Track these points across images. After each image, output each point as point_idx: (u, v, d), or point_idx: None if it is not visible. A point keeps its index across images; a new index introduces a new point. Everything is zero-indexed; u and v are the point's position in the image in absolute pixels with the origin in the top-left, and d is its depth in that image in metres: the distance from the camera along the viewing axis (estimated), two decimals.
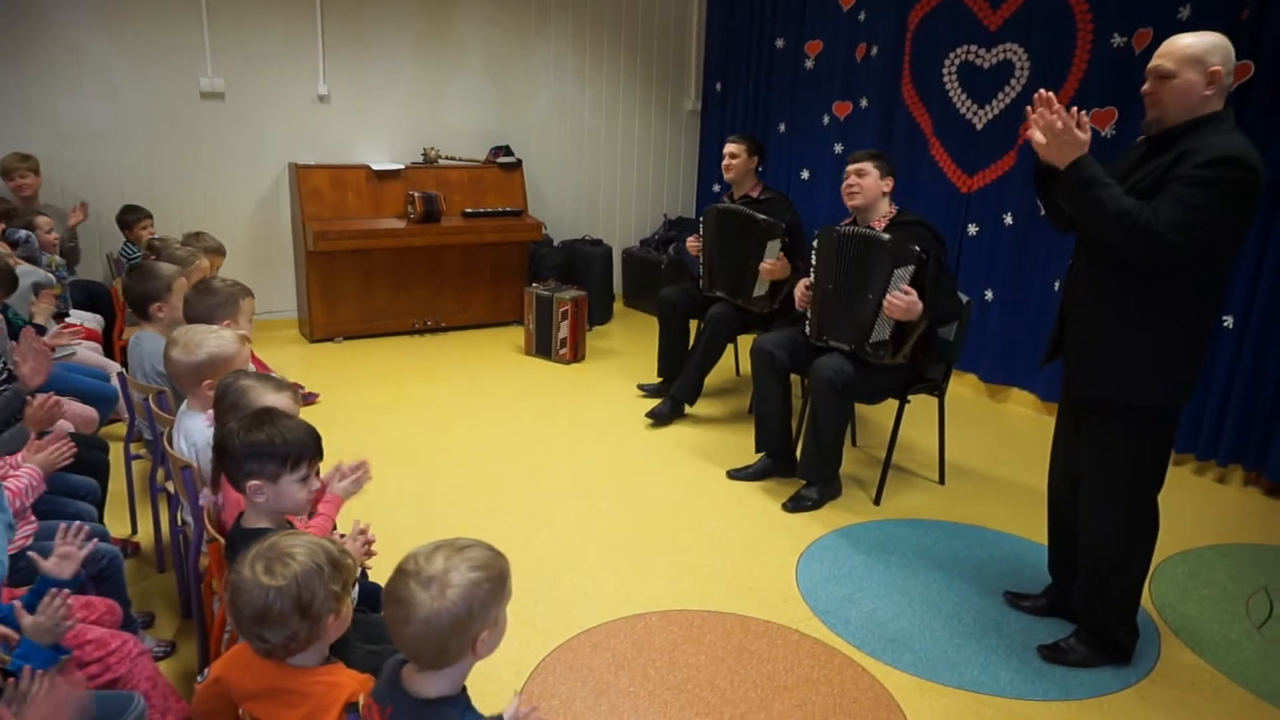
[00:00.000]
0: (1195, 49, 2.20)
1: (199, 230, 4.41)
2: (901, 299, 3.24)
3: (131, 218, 4.85)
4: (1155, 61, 2.25)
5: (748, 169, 4.44)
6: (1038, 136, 2.29)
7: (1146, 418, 2.37)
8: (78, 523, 1.89)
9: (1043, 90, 2.28)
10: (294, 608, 1.44)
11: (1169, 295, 2.27)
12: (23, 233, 4.05)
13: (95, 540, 1.95)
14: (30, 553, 1.91)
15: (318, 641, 1.50)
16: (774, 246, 4.13)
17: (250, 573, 1.45)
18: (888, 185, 3.52)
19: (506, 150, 6.14)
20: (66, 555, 1.81)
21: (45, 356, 2.66)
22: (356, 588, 1.98)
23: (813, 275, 3.62)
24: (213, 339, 2.42)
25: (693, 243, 4.62)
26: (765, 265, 4.13)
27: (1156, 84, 2.25)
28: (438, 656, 1.39)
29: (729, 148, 4.44)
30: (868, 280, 3.38)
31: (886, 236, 3.36)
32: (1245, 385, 3.79)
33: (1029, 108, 2.34)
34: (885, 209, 3.54)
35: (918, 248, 3.26)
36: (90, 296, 4.58)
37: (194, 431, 2.36)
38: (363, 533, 2.01)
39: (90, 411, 3.19)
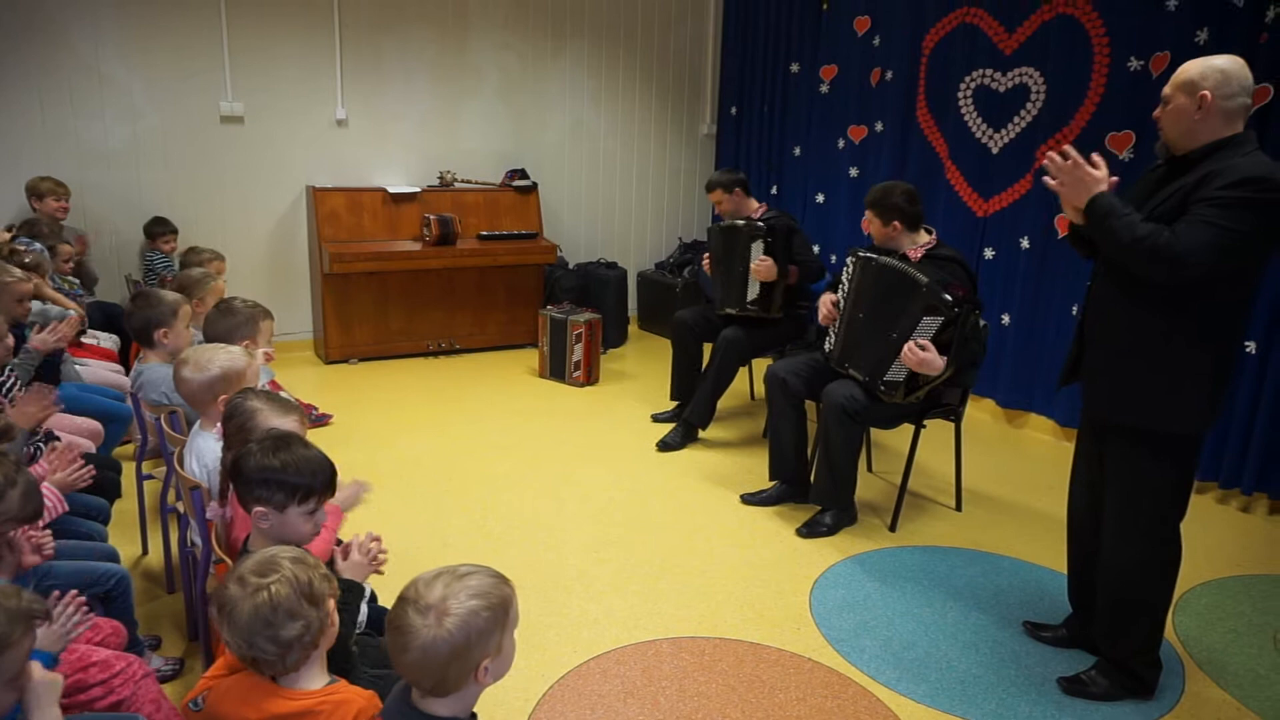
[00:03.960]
0: (1189, 73, 2.23)
1: (193, 245, 4.48)
2: (918, 354, 3.14)
3: (162, 229, 5.04)
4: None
5: (736, 203, 4.56)
6: (1055, 185, 2.33)
7: (1172, 443, 2.34)
8: (73, 593, 1.81)
9: (1052, 153, 2.33)
10: (299, 596, 1.44)
11: (1194, 318, 2.24)
12: (25, 240, 4.12)
13: (92, 617, 1.89)
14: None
15: (325, 633, 1.49)
16: (757, 248, 4.23)
17: (239, 588, 1.44)
18: (894, 229, 3.43)
19: (522, 173, 6.17)
20: (59, 634, 1.75)
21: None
22: (365, 609, 1.97)
23: (841, 296, 3.58)
24: (223, 354, 2.45)
25: (707, 261, 4.64)
26: (754, 266, 4.21)
27: (1160, 109, 2.31)
28: (438, 684, 1.38)
29: (709, 197, 4.65)
30: (895, 319, 3.28)
31: (925, 280, 3.19)
32: (1270, 412, 3.72)
33: (1037, 152, 2.36)
34: (921, 239, 3.46)
35: (949, 297, 3.12)
36: (107, 317, 4.62)
37: (206, 453, 2.36)
38: (376, 540, 1.99)
39: (94, 425, 3.19)
